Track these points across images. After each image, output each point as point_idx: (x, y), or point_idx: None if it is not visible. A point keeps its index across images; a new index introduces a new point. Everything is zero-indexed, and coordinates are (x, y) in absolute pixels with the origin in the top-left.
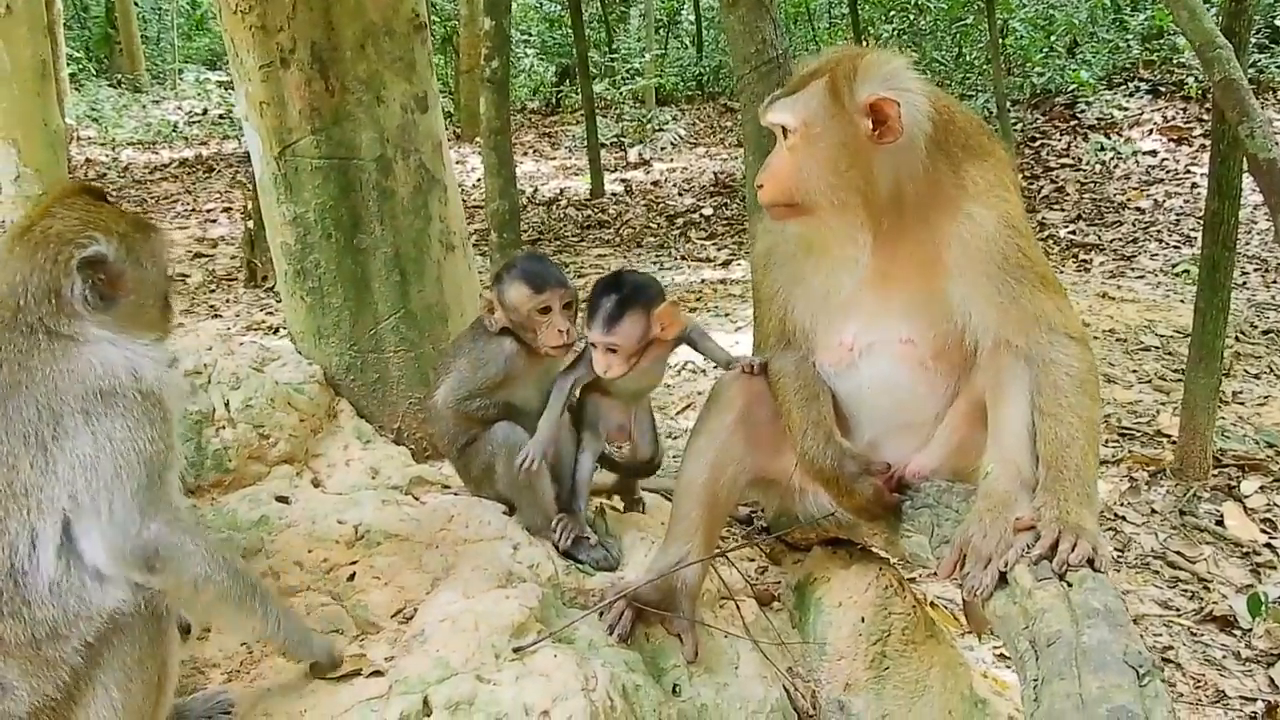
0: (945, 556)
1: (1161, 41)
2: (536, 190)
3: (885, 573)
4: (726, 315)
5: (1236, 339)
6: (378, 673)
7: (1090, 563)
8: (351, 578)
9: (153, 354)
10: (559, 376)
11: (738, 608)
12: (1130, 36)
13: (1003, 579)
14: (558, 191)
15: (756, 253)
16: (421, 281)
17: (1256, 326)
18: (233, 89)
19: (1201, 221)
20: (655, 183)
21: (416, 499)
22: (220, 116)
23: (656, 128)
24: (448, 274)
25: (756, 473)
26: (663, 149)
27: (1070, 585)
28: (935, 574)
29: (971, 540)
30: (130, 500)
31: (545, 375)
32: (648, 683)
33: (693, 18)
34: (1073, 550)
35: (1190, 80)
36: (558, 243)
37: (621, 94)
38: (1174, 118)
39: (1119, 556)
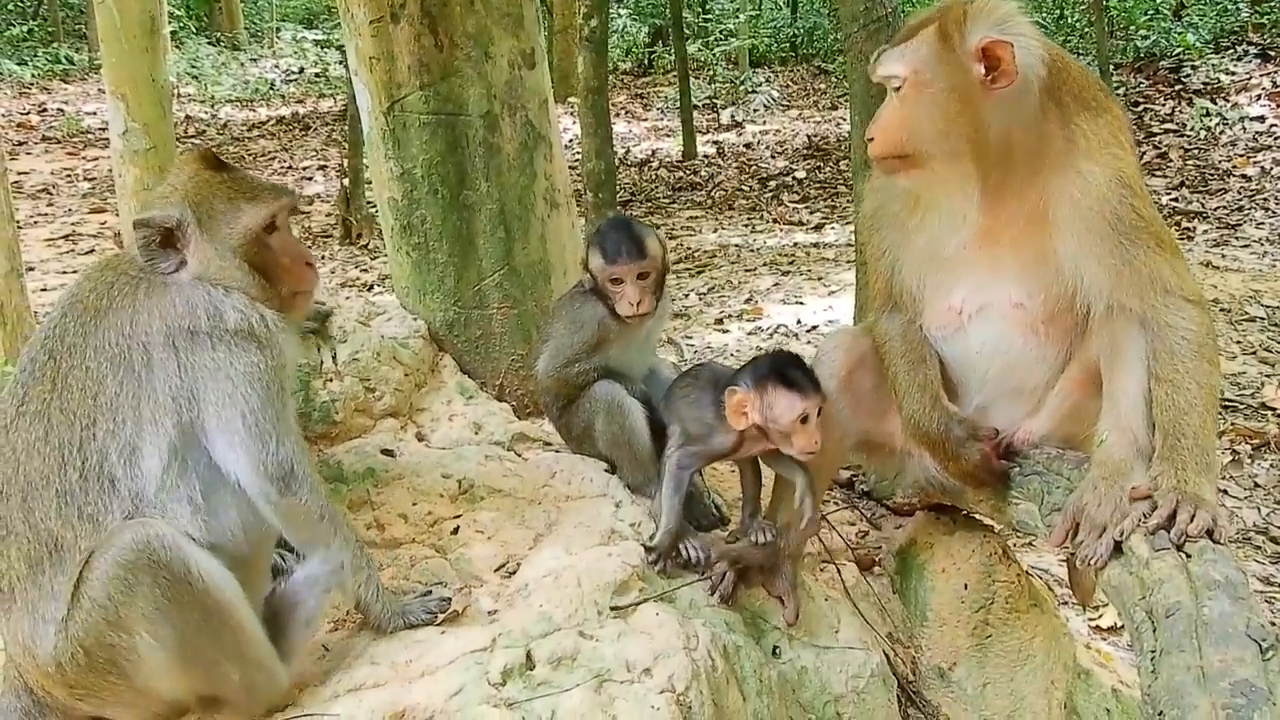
0: (1056, 525)
1: (1272, 4)
2: (629, 151)
3: (989, 540)
4: (820, 279)
5: None
6: (481, 624)
7: (1210, 534)
8: (455, 531)
9: (238, 303)
10: (676, 454)
11: (839, 572)
12: None
13: (1117, 548)
14: (650, 153)
15: (863, 214)
16: (526, 238)
17: None
18: (328, 48)
19: None
20: (748, 145)
21: (519, 455)
22: (316, 75)
23: (749, 90)
24: (551, 231)
25: (860, 436)
26: (755, 111)
27: (1189, 556)
28: (1034, 542)
29: (1086, 508)
30: (257, 419)
31: (642, 339)
32: (748, 644)
33: None
34: (1192, 521)
35: None
36: (649, 204)
37: (715, 55)
38: None
39: None
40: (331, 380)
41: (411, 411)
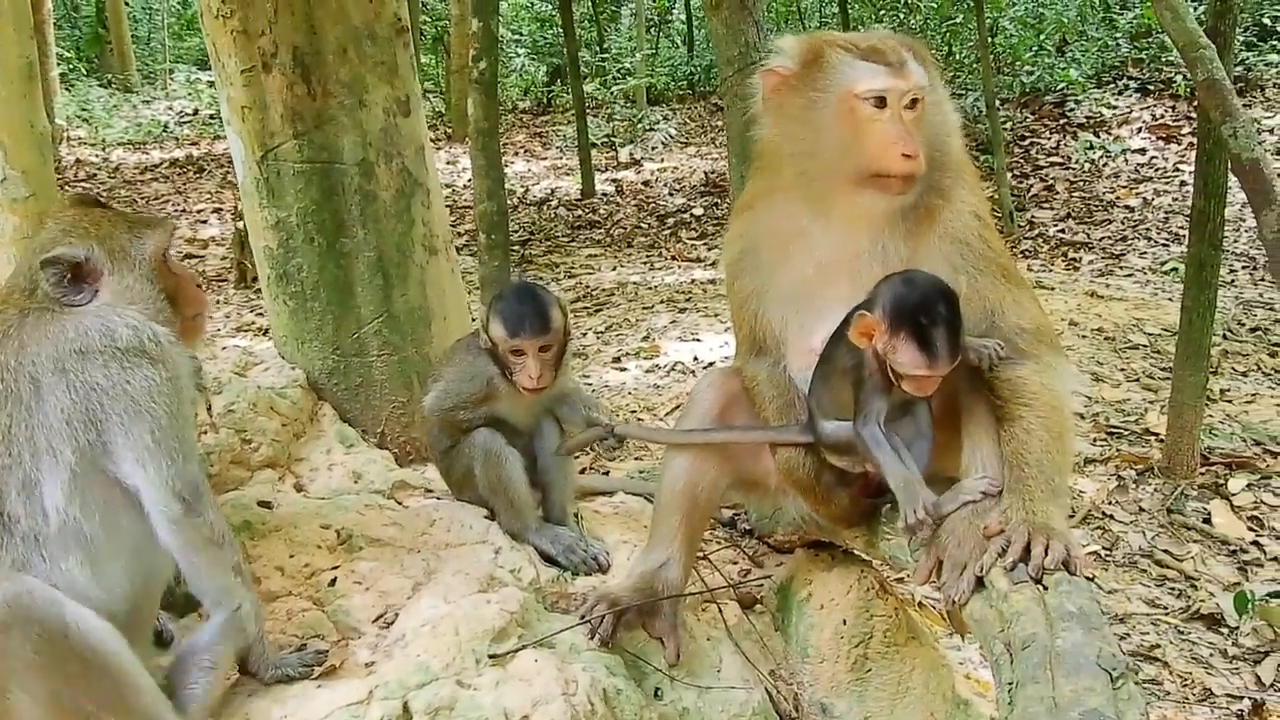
0: (922, 561)
1: (1150, 40)
2: (527, 190)
3: (867, 575)
4: (716, 316)
5: (1224, 337)
6: (358, 676)
7: (1066, 565)
8: (333, 582)
9: (130, 321)
10: (859, 425)
11: (720, 610)
12: (1119, 35)
13: (980, 582)
14: (548, 191)
15: (729, 259)
16: (405, 285)
17: (1244, 324)
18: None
19: (1189, 219)
20: (646, 182)
21: (399, 503)
22: (211, 117)
23: (647, 127)
24: (431, 278)
25: (737, 476)
26: (653, 148)
27: (1046, 588)
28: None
29: (946, 547)
30: (165, 435)
31: (533, 398)
32: (629, 686)
33: (684, 17)
34: (1046, 554)
35: (1179, 79)
36: (548, 243)
37: (612, 94)
38: (1162, 116)
39: (1106, 555)
40: (206, 432)
41: (289, 462)
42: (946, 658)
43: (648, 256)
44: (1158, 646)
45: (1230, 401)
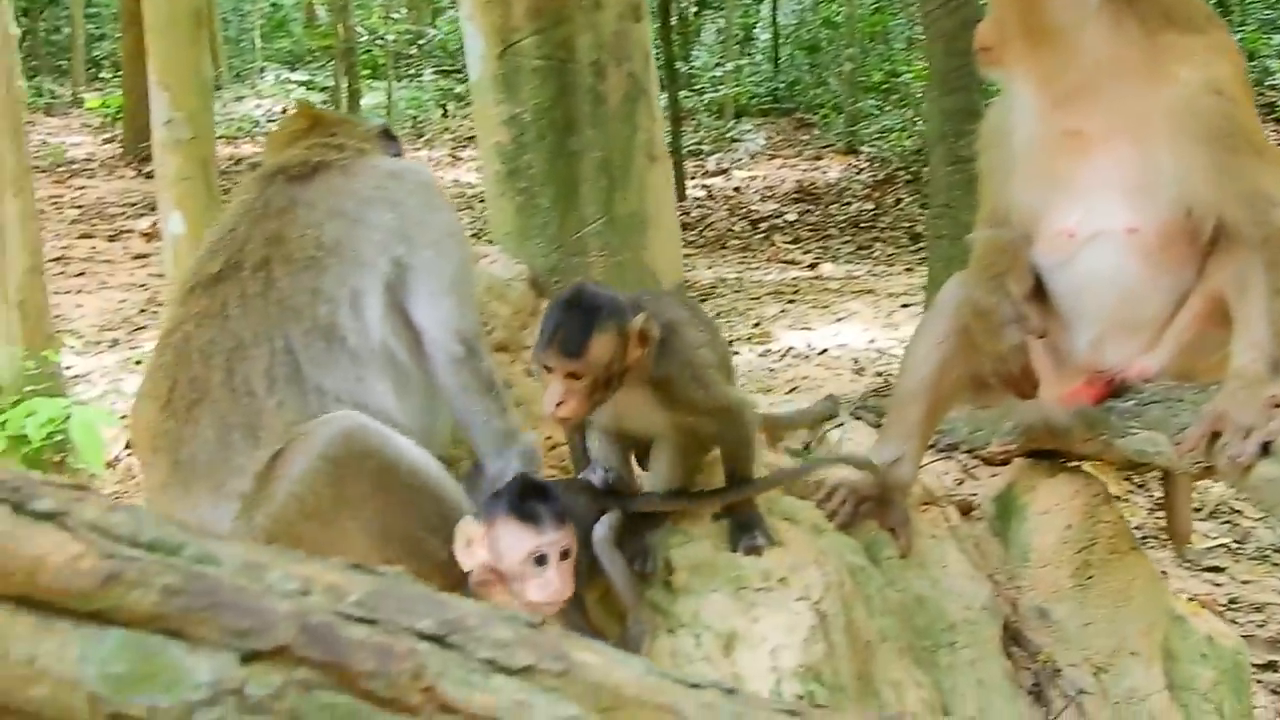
0: (1193, 430)
1: None
2: None
3: (1092, 483)
4: (826, 308)
5: None
6: None
7: None
8: None
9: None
10: None
11: (943, 512)
12: None
13: (1265, 450)
14: None
15: (983, 130)
16: (626, 189)
17: None
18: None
19: None
20: (737, 189)
21: None
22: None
23: (735, 138)
24: (649, 184)
25: (971, 379)
26: (740, 160)
27: None
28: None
29: (1228, 413)
30: (461, 278)
31: None
32: (871, 567)
33: (769, 35)
34: None
35: None
36: None
37: (701, 102)
38: None
39: (1238, 548)
40: None
41: (518, 348)
42: (1163, 574)
43: (742, 258)
44: None
45: None
